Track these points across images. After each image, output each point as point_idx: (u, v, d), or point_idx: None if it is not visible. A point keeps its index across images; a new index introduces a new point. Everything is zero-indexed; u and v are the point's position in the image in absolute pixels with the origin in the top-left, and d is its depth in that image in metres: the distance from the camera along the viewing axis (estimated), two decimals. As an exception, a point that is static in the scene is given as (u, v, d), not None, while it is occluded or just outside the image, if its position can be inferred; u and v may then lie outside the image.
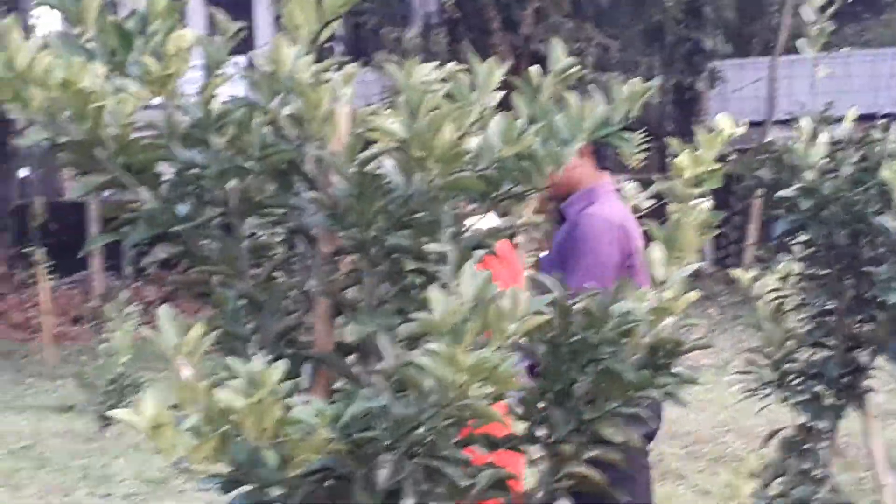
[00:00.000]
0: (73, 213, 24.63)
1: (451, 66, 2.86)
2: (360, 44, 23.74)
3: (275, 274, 2.96)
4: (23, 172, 27.91)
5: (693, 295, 2.91)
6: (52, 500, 8.18)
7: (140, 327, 12.48)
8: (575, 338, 2.81)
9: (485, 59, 2.82)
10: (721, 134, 3.00)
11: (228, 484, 2.79)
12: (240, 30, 2.90)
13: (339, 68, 2.81)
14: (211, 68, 2.83)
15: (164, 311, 2.49)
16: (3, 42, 2.68)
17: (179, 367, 2.44)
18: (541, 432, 2.92)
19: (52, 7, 2.79)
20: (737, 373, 4.26)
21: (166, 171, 2.94)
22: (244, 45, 3.02)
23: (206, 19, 26.10)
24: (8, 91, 2.69)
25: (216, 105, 2.75)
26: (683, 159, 2.99)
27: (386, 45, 23.51)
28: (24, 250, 22.04)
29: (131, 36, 2.66)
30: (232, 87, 2.90)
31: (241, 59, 2.96)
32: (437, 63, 2.84)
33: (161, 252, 2.93)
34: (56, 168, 33.05)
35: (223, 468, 2.57)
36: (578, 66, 2.92)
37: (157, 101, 2.80)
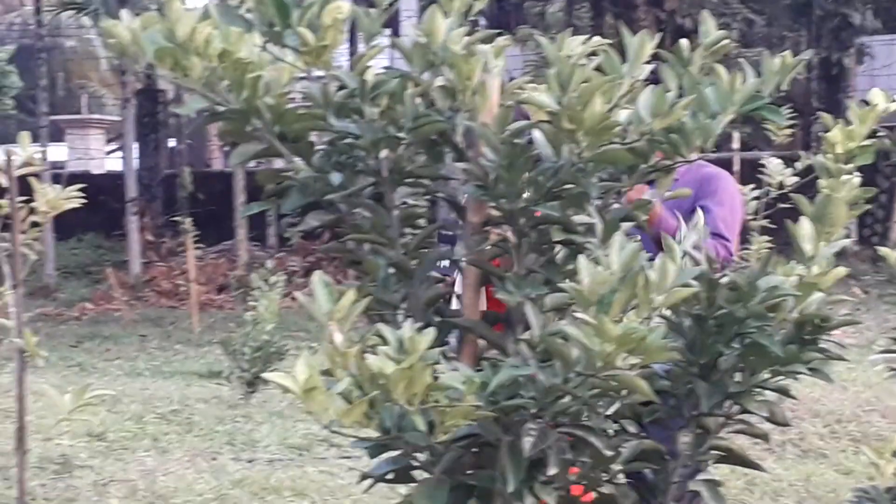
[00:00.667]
0: (219, 182, 25.02)
1: (597, 39, 2.87)
2: (503, 17, 23.71)
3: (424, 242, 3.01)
4: (171, 143, 28.38)
5: (841, 271, 2.90)
6: (199, 463, 8.33)
7: (285, 296, 12.65)
8: (721, 311, 2.81)
9: (630, 34, 2.83)
10: (875, 109, 2.98)
11: (376, 448, 2.85)
12: (392, 2, 2.95)
13: (490, 41, 2.85)
14: (365, 39, 2.87)
15: (317, 278, 2.55)
16: (164, 12, 2.76)
17: (332, 333, 2.50)
18: (686, 405, 2.93)
19: (212, -21, 2.85)
20: (882, 352, 4.18)
21: (318, 140, 3.01)
22: (390, 17, 3.05)
23: (352, -8, 26.27)
24: (169, 60, 2.76)
25: (370, 76, 2.80)
26: (835, 134, 2.97)
27: (528, 19, 23.49)
28: (172, 219, 22.47)
29: (288, 7, 2.71)
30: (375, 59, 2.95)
31: (386, 31, 3.00)
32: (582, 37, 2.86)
33: (313, 220, 2.99)
34: (204, 138, 33.56)
35: (371, 433, 2.63)
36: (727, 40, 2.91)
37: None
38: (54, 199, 4.71)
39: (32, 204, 4.75)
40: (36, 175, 4.84)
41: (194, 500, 7.28)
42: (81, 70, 40.90)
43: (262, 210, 3.30)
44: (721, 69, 2.80)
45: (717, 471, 3.05)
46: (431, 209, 3.14)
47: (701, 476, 2.99)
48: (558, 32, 2.80)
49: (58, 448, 8.85)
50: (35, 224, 4.78)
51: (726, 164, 14.21)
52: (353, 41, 18.65)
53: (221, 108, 2.85)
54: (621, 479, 2.93)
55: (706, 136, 2.73)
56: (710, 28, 2.89)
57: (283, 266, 18.73)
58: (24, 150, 4.70)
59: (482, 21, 24.74)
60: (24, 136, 4.81)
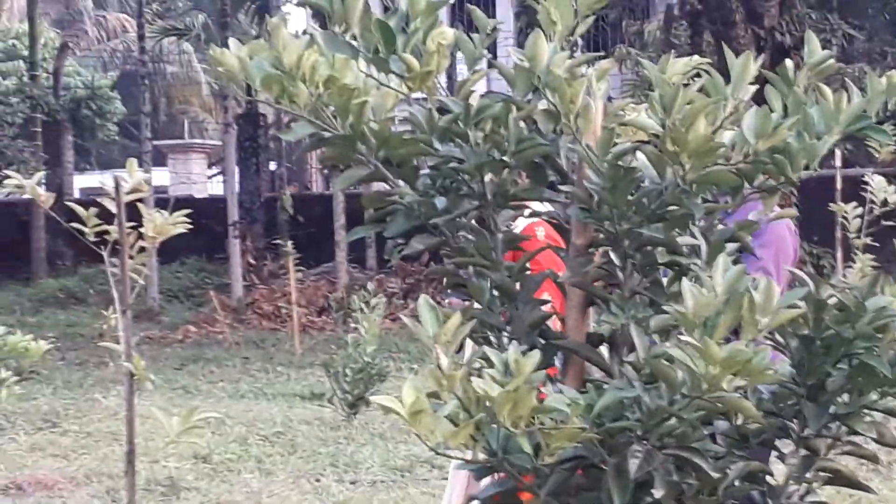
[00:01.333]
0: (319, 205, 25.20)
1: (696, 59, 2.87)
2: (600, 37, 23.71)
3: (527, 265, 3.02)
4: (272, 166, 28.64)
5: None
6: (302, 484, 8.40)
7: (385, 318, 12.70)
8: (829, 332, 2.79)
9: (727, 52, 2.83)
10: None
11: (482, 470, 2.86)
12: (494, 28, 2.97)
13: (592, 63, 2.86)
14: (468, 64, 2.90)
15: (423, 301, 2.57)
16: (270, 39, 2.80)
17: (437, 356, 2.52)
18: (793, 426, 2.91)
19: (317, 7, 2.89)
20: None
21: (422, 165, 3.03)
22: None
23: (448, 14, 26.39)
24: (276, 87, 2.80)
25: (474, 100, 2.82)
26: (941, 152, 2.94)
27: (626, 38, 23.43)
28: (273, 242, 22.67)
29: (394, 34, 2.74)
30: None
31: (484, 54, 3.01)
32: (680, 57, 2.86)
33: (418, 244, 3.01)
34: (304, 161, 33.82)
35: (478, 455, 2.64)
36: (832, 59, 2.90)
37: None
38: (161, 224, 4.78)
39: (140, 229, 4.82)
40: (142, 200, 4.91)
41: (298, 522, 7.34)
42: (183, 95, 41.45)
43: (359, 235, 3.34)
44: (826, 89, 2.79)
45: (823, 492, 3.02)
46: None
47: (809, 498, 2.97)
48: (656, 51, 2.80)
49: (165, 470, 8.97)
50: (142, 249, 4.85)
51: (828, 182, 14.08)
52: (450, 66, 18.71)
53: (327, 134, 2.89)
54: (728, 501, 2.91)
55: (811, 156, 2.71)
56: (814, 47, 2.88)
57: (382, 288, 18.81)
58: (132, 176, 4.77)
59: (579, 42, 24.75)
60: (132, 162, 4.88)
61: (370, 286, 12.44)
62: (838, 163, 15.03)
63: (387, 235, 3.12)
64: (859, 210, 8.38)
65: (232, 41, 2.89)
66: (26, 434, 10.68)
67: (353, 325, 11.09)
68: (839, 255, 13.15)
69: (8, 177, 4.98)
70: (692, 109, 2.57)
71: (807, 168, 2.75)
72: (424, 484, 8.22)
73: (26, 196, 4.98)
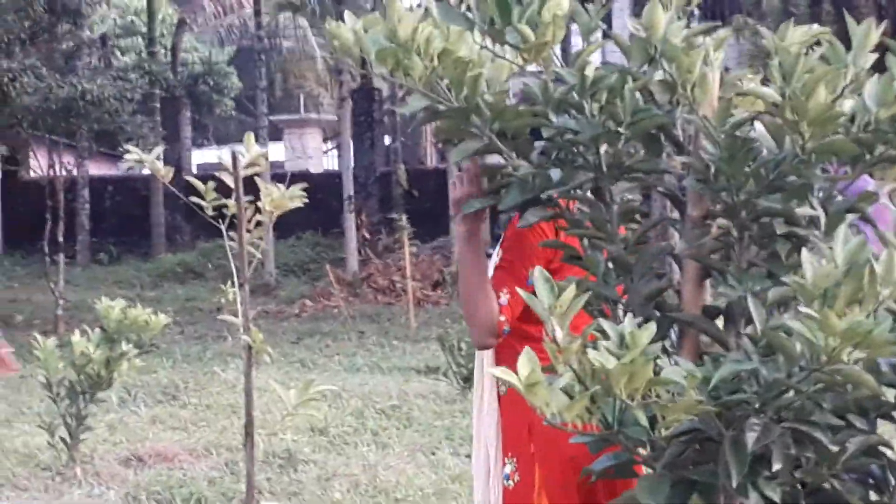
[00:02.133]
0: (434, 179, 25.28)
1: (816, 28, 2.82)
2: (717, 6, 23.42)
3: (644, 237, 3.00)
4: (386, 140, 28.76)
5: None
6: (418, 458, 8.44)
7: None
8: (952, 304, 2.74)
9: (848, 20, 2.78)
10: None
11: (597, 443, 2.85)
12: (605, 4, 2.95)
13: (709, 33, 2.83)
14: (583, 35, 2.88)
15: (538, 273, 2.57)
16: (385, 13, 2.81)
17: (553, 328, 2.51)
18: (915, 400, 2.87)
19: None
20: None
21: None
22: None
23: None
24: (391, 60, 2.81)
25: (590, 71, 2.81)
26: None
27: (744, 7, 23.14)
28: (388, 217, 22.78)
29: (509, 4, 2.73)
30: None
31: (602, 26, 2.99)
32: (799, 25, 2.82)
33: (533, 216, 3.01)
34: (418, 136, 33.91)
35: (593, 427, 2.64)
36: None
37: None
38: (279, 198, 4.82)
39: (257, 203, 4.87)
40: (258, 175, 4.95)
41: (415, 495, 7.38)
42: (298, 70, 41.73)
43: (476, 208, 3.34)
44: (947, 56, 2.73)
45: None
46: (645, 204, 3.13)
47: (930, 472, 2.92)
48: (774, 21, 2.77)
49: (282, 443, 9.07)
50: (259, 223, 4.90)
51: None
52: (564, 38, 18.59)
53: (441, 107, 2.89)
54: (847, 474, 2.88)
55: (935, 125, 2.66)
56: (936, 14, 2.82)
57: (497, 261, 18.78)
58: (250, 151, 4.82)
59: (695, 12, 24.50)
60: (249, 136, 4.93)
61: (484, 259, 12.46)
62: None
63: (501, 208, 3.13)
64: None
65: (348, 15, 2.90)
66: (147, 407, 10.86)
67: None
68: (962, 227, 12.90)
69: (128, 151, 5.05)
70: (812, 77, 2.53)
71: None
72: (539, 457, 8.23)
73: (145, 171, 5.05)
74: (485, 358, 4.01)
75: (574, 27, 2.94)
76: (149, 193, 28.29)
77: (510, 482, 3.98)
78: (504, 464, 4.00)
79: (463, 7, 2.81)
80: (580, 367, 2.48)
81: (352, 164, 24.02)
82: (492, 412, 4.03)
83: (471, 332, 3.83)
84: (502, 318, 3.75)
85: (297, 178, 7.06)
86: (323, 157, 35.95)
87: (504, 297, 3.77)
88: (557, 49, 2.92)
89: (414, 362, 13.28)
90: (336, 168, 29.51)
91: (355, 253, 22.47)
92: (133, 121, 19.71)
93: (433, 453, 8.59)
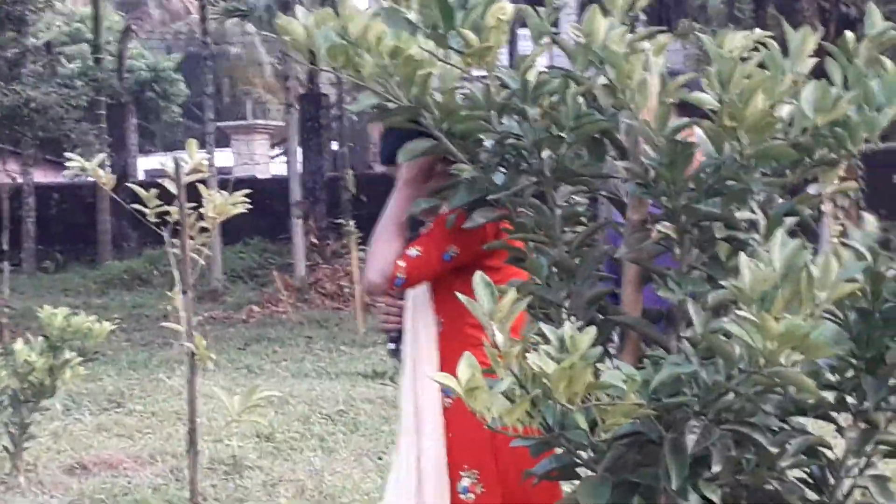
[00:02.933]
0: (382, 184, 25.24)
1: (759, 33, 2.85)
2: (663, 11, 23.53)
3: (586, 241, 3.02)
4: (334, 146, 28.70)
5: None
6: (365, 463, 8.43)
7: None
8: (888, 304, 2.77)
9: (792, 25, 2.80)
10: None
11: (538, 446, 2.86)
12: (556, 7, 2.96)
13: (651, 38, 2.84)
14: (533, 39, 2.89)
15: (478, 278, 2.57)
16: (338, 9, 2.81)
17: (493, 332, 2.52)
18: (852, 400, 2.89)
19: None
20: None
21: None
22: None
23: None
24: (342, 57, 2.81)
25: (532, 76, 2.82)
26: None
27: (689, 12, 23.24)
28: (335, 222, 22.74)
29: (452, 9, 2.74)
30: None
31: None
32: (743, 30, 2.84)
33: (480, 217, 3.02)
34: (366, 141, 33.87)
35: (534, 431, 2.65)
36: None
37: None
38: (222, 204, 4.81)
39: (201, 210, 4.86)
40: (203, 181, 4.94)
41: (361, 500, 7.38)
42: (246, 76, 41.64)
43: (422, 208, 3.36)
44: (888, 61, 2.76)
45: (886, 466, 3.00)
46: (591, 207, 3.15)
47: (869, 472, 2.95)
48: (719, 25, 2.79)
49: (228, 449, 9.04)
50: (203, 229, 4.88)
51: (894, 154, 13.93)
52: (511, 41, 18.66)
53: (391, 105, 2.90)
54: (788, 475, 2.90)
55: (872, 129, 2.69)
56: (875, 19, 2.85)
57: (445, 267, 18.79)
58: (192, 157, 4.80)
59: (641, 15, 24.57)
60: (192, 142, 4.91)
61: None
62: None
63: (449, 207, 3.14)
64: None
65: (299, 9, 2.91)
66: (92, 414, 10.79)
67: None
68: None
69: (71, 159, 5.03)
70: (750, 84, 2.55)
71: (867, 142, 2.73)
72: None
73: (91, 178, 5.03)
74: (426, 366, 3.92)
75: (522, 32, 2.95)
76: (95, 201, 28.11)
77: (470, 495, 3.89)
78: (459, 477, 3.91)
79: (409, 12, 2.81)
80: (521, 371, 2.49)
81: (299, 169, 23.96)
82: (436, 425, 3.94)
83: (365, 270, 3.86)
84: (401, 264, 3.80)
85: (244, 183, 7.04)
86: (271, 163, 35.86)
87: (413, 251, 3.82)
88: (505, 53, 2.93)
89: (361, 367, 13.26)
90: (284, 174, 29.43)
91: (303, 258, 22.42)
92: (78, 128, 19.61)
93: (380, 458, 8.58)
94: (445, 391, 3.82)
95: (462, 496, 3.89)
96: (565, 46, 2.87)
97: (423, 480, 3.92)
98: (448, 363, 3.84)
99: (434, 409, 3.92)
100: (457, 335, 3.83)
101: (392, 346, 4.04)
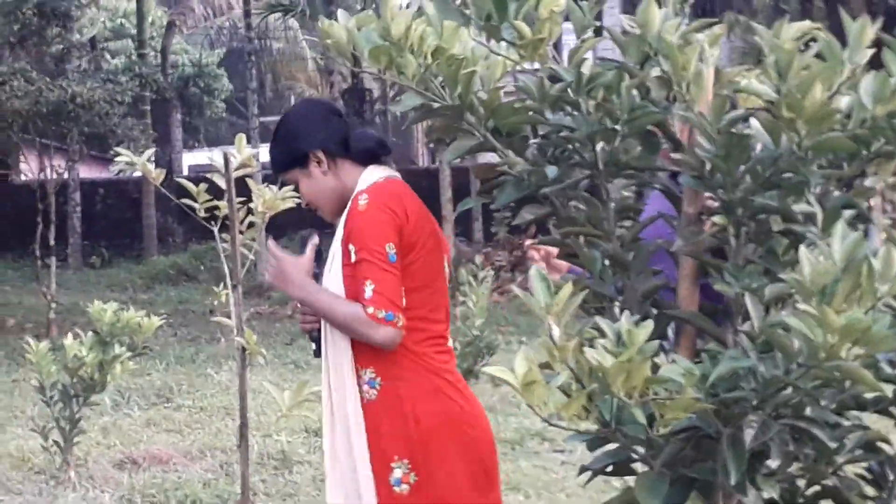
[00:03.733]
0: (425, 179, 25.25)
1: (807, 24, 2.82)
2: (709, 4, 23.41)
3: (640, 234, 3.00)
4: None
5: None
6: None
7: (493, 291, 12.70)
8: (949, 298, 2.73)
9: (839, 16, 2.77)
10: None
11: (595, 441, 2.84)
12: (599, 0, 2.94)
13: (704, 29, 2.82)
14: (577, 32, 2.87)
15: (534, 272, 2.56)
16: (379, 11, 2.81)
17: (550, 327, 2.50)
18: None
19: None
20: None
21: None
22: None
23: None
24: (384, 59, 2.81)
25: (586, 68, 2.80)
26: None
27: (735, 4, 23.11)
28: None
29: (506, 1, 2.72)
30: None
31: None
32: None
33: (528, 213, 3.00)
34: (409, 136, 33.90)
35: (590, 426, 2.63)
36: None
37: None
38: (271, 199, 4.82)
39: (249, 205, 4.87)
40: (250, 176, 4.95)
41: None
42: (289, 71, 41.73)
43: (470, 206, 3.35)
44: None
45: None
46: (637, 201, 3.13)
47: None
48: (766, 18, 2.76)
49: (277, 444, 9.05)
50: (251, 224, 4.89)
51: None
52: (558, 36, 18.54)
53: (435, 105, 2.89)
54: (846, 470, 2.87)
55: (931, 120, 2.66)
56: (931, 10, 2.82)
57: (490, 261, 18.82)
58: (241, 152, 4.81)
59: (687, 8, 24.44)
60: (241, 137, 4.93)
61: (478, 259, 12.46)
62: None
63: (496, 205, 3.12)
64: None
65: (341, 13, 2.90)
66: (141, 409, 10.84)
67: (461, 298, 11.11)
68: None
69: (119, 154, 5.04)
70: (808, 75, 2.52)
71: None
72: (535, 457, 8.23)
73: (137, 174, 5.05)
74: (344, 364, 3.90)
75: (566, 25, 2.93)
76: (140, 196, 28.24)
77: (404, 486, 3.84)
78: (391, 469, 3.84)
79: (458, 2, 2.80)
80: (577, 366, 2.47)
81: (343, 164, 24.01)
82: (358, 421, 3.86)
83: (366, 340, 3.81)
84: (370, 310, 3.72)
85: (288, 179, 7.03)
86: (314, 159, 35.94)
87: (369, 289, 3.74)
88: (552, 46, 2.91)
89: (407, 362, 13.25)
90: (327, 169, 29.44)
91: (348, 253, 22.42)
92: (124, 123, 19.69)
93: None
94: (370, 383, 3.85)
95: (396, 489, 3.84)
96: (616, 38, 2.85)
97: (353, 477, 3.90)
98: (361, 359, 3.86)
99: (354, 404, 3.88)
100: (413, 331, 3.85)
101: (314, 346, 4.03)
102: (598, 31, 2.95)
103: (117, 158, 5.07)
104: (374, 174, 3.96)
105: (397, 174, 3.99)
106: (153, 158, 5.01)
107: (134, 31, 32.40)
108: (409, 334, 3.75)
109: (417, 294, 3.79)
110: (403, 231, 3.77)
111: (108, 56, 36.09)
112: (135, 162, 4.93)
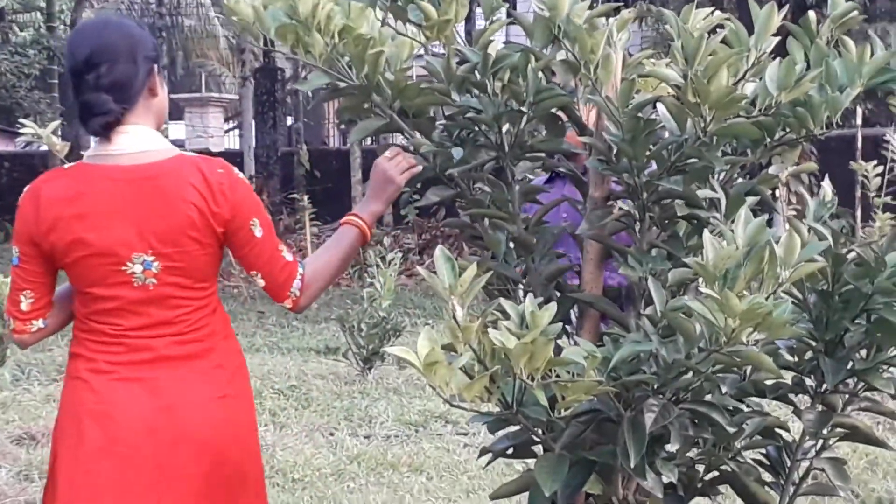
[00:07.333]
0: (336, 160, 25.18)
1: (718, 14, 2.83)
2: (621, -7, 23.46)
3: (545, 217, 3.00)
4: (289, 121, 28.60)
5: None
6: (316, 438, 8.38)
7: (401, 273, 12.71)
8: (847, 287, 2.77)
9: (748, 7, 2.79)
10: None
11: (496, 423, 2.85)
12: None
13: (613, 14, 2.83)
14: (486, 14, 2.87)
15: (439, 253, 2.55)
16: (287, -11, 2.78)
17: (453, 307, 2.49)
18: (810, 382, 2.89)
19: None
20: None
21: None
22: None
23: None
24: (291, 37, 2.78)
25: (493, 50, 2.79)
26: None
27: (647, -6, 23.23)
28: (289, 196, 22.67)
29: (412, -19, 2.71)
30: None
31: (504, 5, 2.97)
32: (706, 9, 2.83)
33: (434, 195, 2.99)
34: (320, 116, 33.78)
35: (492, 408, 2.63)
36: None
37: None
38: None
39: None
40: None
41: (313, 475, 7.34)
42: (200, 49, 41.36)
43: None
44: (849, 42, 2.76)
45: (839, 448, 3.01)
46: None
47: (825, 454, 2.96)
48: (676, 7, 2.77)
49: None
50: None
51: (849, 141, 13.98)
52: (468, 18, 18.61)
53: (342, 85, 2.87)
54: (744, 456, 2.90)
55: (834, 109, 2.68)
56: (837, 0, 2.84)
57: (398, 244, 18.82)
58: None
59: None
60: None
61: (386, 241, 12.44)
62: (859, 121, 15.03)
63: (403, 187, 3.11)
64: (879, 169, 8.35)
65: (248, -11, 2.86)
66: (41, 385, 10.70)
67: (368, 280, 11.09)
68: (858, 214, 13.13)
69: (24, 126, 4.96)
70: (715, 60, 2.53)
71: (829, 122, 2.72)
72: (438, 439, 8.22)
73: (43, 148, 4.97)
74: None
75: (478, 10, 2.93)
76: (46, 169, 27.90)
77: None
78: None
79: (366, -18, 2.79)
80: (480, 347, 2.46)
81: (253, 143, 23.87)
82: None
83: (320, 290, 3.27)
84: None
85: (197, 156, 6.97)
86: (224, 137, 35.69)
87: (289, 255, 3.19)
88: (461, 28, 2.90)
89: (314, 343, 13.19)
90: (237, 147, 29.25)
91: (256, 233, 22.30)
92: (30, 97, 19.44)
93: (331, 434, 8.54)
94: None
95: None
96: (522, 21, 2.85)
97: None
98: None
99: None
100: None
101: None
102: (509, 14, 2.94)
103: (22, 130, 4.98)
104: None
105: None
106: (59, 132, 4.91)
107: (43, 4, 31.95)
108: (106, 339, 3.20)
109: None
110: None
111: (16, 28, 35.58)
112: (40, 134, 4.85)
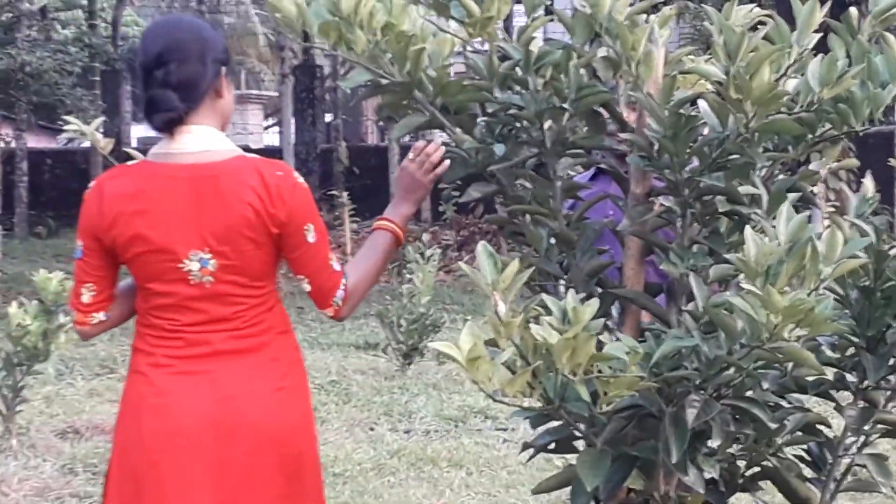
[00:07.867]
0: (375, 157, 25.24)
1: (757, 11, 2.84)
2: (660, -11, 23.40)
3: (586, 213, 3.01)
4: (328, 118, 28.65)
5: None
6: (357, 433, 8.41)
7: (439, 269, 12.71)
8: (890, 283, 2.76)
9: (788, 2, 2.79)
10: None
11: (538, 418, 2.86)
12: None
13: (655, 10, 2.83)
14: (527, 11, 2.88)
15: (481, 248, 2.56)
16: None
17: (496, 303, 2.50)
18: (852, 378, 2.89)
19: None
20: None
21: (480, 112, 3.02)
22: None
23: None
24: (333, 34, 2.80)
25: (534, 47, 2.80)
26: None
27: (686, -10, 23.17)
28: (328, 193, 22.71)
29: (455, -22, 2.73)
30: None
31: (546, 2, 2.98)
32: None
33: (475, 191, 3.00)
34: (359, 113, 33.84)
35: (534, 403, 2.64)
36: (899, 7, 2.85)
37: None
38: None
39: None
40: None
41: (353, 469, 7.36)
42: (240, 46, 41.51)
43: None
44: (891, 38, 2.76)
45: (880, 444, 3.01)
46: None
47: (867, 450, 2.96)
48: (715, 4, 2.78)
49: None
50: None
51: (888, 137, 13.91)
52: (508, 15, 18.55)
53: (384, 81, 2.88)
54: (786, 452, 2.90)
55: (876, 105, 2.69)
56: (880, -4, 2.84)
57: (437, 240, 18.81)
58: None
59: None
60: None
61: (425, 238, 12.45)
62: (898, 117, 14.98)
63: (444, 183, 3.12)
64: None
65: (291, -14, 2.88)
66: (84, 379, 10.77)
67: (407, 276, 11.10)
68: (896, 210, 13.07)
69: (67, 123, 5.00)
70: (757, 56, 2.53)
71: (870, 118, 2.72)
72: (478, 434, 8.22)
73: (85, 145, 5.01)
74: None
75: (517, 6, 2.94)
76: (87, 167, 27.93)
77: None
78: None
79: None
80: (523, 342, 2.48)
81: (293, 140, 23.93)
82: None
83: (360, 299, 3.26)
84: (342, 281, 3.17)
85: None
86: (264, 134, 35.83)
87: (337, 265, 3.17)
88: (501, 25, 2.91)
89: (353, 338, 13.22)
90: (277, 144, 29.35)
91: (296, 229, 22.34)
92: (73, 94, 19.56)
93: (371, 429, 8.56)
94: None
95: None
96: (564, 18, 2.86)
97: None
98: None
99: None
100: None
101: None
102: (549, 12, 2.95)
103: (66, 127, 5.02)
104: None
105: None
106: (102, 129, 4.96)
107: (85, 2, 32.09)
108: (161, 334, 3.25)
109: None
110: None
111: (58, 26, 35.75)
112: (83, 131, 4.89)
